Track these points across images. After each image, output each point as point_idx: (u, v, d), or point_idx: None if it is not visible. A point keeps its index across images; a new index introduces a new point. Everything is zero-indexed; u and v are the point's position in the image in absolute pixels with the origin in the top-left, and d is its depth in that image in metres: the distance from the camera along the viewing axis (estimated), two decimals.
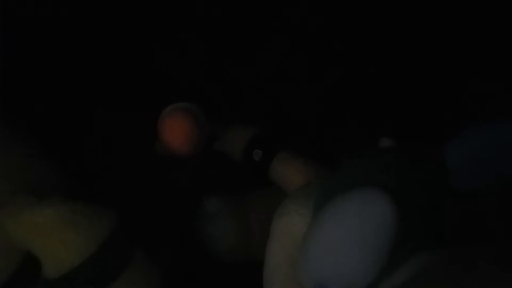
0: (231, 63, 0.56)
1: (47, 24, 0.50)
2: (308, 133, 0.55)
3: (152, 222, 0.45)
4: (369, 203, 0.30)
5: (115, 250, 0.34)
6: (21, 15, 0.49)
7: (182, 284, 0.46)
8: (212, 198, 0.50)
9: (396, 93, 0.54)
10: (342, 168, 0.37)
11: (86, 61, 0.51)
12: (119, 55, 0.52)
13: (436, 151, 0.35)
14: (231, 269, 0.49)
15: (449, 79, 0.53)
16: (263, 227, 0.48)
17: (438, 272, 0.28)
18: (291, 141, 0.52)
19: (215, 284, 0.48)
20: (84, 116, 0.50)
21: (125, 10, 0.52)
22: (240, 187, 0.51)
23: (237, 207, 0.49)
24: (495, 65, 0.52)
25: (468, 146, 0.31)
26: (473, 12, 0.53)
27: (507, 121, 0.30)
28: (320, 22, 0.55)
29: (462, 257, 0.27)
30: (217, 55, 0.56)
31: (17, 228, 0.33)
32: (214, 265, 0.49)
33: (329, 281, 0.32)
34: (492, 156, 0.30)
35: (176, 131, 0.45)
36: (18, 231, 0.33)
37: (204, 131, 0.47)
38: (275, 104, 0.56)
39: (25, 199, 0.34)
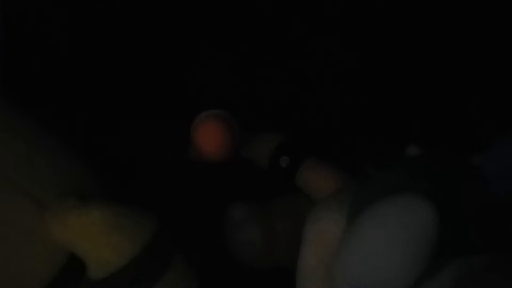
0: (257, 72, 0.57)
1: (85, 29, 0.52)
2: (333, 141, 0.56)
3: (183, 228, 0.46)
4: (411, 208, 0.31)
5: (157, 252, 0.35)
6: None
7: None
8: (238, 205, 0.50)
9: (422, 100, 0.55)
10: (377, 175, 0.37)
11: (120, 71, 0.53)
12: (152, 66, 0.54)
13: (467, 158, 0.36)
14: (256, 275, 0.49)
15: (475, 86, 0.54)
16: (289, 234, 0.49)
17: (480, 278, 0.28)
18: (317, 148, 0.52)
19: None
20: (116, 124, 0.51)
21: (160, 22, 0.53)
22: (265, 194, 0.52)
23: (263, 213, 0.50)
24: None
25: (506, 153, 0.32)
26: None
27: None
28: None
29: (503, 263, 0.28)
30: (243, 65, 0.57)
31: (63, 231, 0.34)
32: (240, 271, 0.50)
33: (369, 286, 0.32)
34: None
35: (210, 137, 0.46)
36: (64, 234, 0.34)
37: (236, 138, 0.48)
38: (300, 112, 0.57)
39: (71, 203, 0.35)
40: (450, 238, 0.31)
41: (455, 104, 0.55)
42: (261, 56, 0.57)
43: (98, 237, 0.33)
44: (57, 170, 0.37)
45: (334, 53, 0.57)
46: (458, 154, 0.38)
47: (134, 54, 0.54)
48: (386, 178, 0.37)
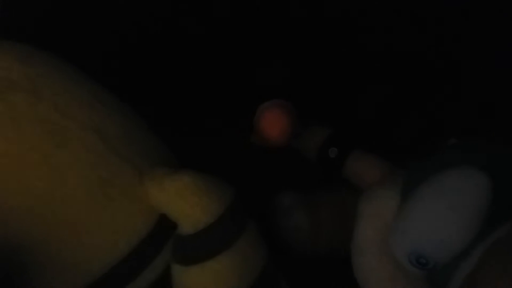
0: (310, 68, 0.61)
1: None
2: (379, 133, 0.59)
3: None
4: (467, 178, 0.35)
5: (236, 214, 0.40)
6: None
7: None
8: (287, 193, 0.54)
9: (461, 93, 0.58)
10: (430, 156, 0.42)
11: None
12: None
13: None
14: (297, 263, 0.52)
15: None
16: (333, 222, 0.52)
17: None
18: (364, 140, 0.56)
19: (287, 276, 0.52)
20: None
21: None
22: (312, 184, 0.55)
23: (310, 202, 0.53)
24: None
25: None
26: None
27: None
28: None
29: None
30: (297, 63, 0.61)
31: (160, 193, 0.38)
32: (284, 258, 0.52)
33: (428, 249, 0.36)
34: None
35: (274, 123, 0.51)
36: (160, 195, 0.38)
37: (296, 125, 0.52)
38: (348, 105, 0.61)
39: (165, 170, 0.40)
40: (502, 203, 0.35)
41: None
42: (312, 50, 0.60)
43: (191, 197, 0.38)
44: (149, 143, 0.42)
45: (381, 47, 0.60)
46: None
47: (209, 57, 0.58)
48: (438, 158, 0.41)
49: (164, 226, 0.40)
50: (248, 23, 0.59)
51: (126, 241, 0.38)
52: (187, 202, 0.38)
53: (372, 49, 0.60)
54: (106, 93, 0.42)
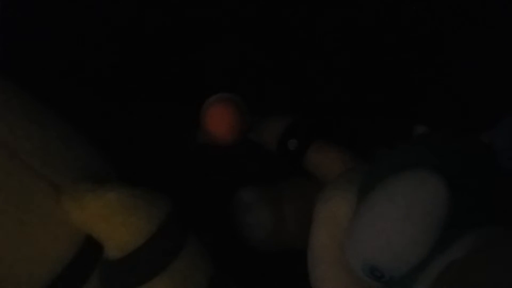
0: (261, 55, 0.57)
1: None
2: (341, 123, 0.56)
3: (195, 210, 0.46)
4: (422, 182, 0.31)
5: (172, 232, 0.36)
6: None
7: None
8: (248, 188, 0.51)
9: (426, 82, 0.55)
10: (387, 154, 0.38)
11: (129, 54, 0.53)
12: (161, 50, 0.54)
13: (477, 135, 0.36)
14: (264, 258, 0.50)
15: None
16: (297, 217, 0.50)
17: (489, 250, 0.29)
18: (325, 131, 0.53)
19: (250, 272, 0.49)
20: (125, 107, 0.51)
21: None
22: (274, 177, 0.52)
23: (272, 196, 0.50)
24: None
25: None
26: None
27: None
28: (351, 14, 0.56)
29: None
30: (247, 49, 0.57)
31: (81, 212, 0.34)
32: (249, 254, 0.50)
33: (380, 261, 0.33)
34: None
35: (220, 119, 0.47)
36: (81, 215, 0.35)
37: (245, 120, 0.48)
38: (303, 95, 0.58)
39: (87, 185, 0.35)
40: (462, 210, 0.31)
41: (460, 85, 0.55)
42: (268, 38, 0.57)
43: (115, 217, 0.34)
44: (73, 155, 0.38)
45: (342, 37, 0.57)
46: (466, 132, 0.38)
47: (147, 36, 0.54)
48: (396, 155, 0.37)
49: (93, 248, 0.36)
50: None
51: (47, 271, 0.34)
52: (110, 222, 0.34)
53: (330, 28, 0.56)
54: (29, 103, 0.38)
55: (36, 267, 0.34)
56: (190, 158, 0.49)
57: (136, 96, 0.52)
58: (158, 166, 0.46)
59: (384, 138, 0.44)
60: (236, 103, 0.47)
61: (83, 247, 0.36)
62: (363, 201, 0.36)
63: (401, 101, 0.55)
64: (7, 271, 0.33)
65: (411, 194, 0.31)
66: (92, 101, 0.49)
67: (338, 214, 0.39)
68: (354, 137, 0.54)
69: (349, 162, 0.49)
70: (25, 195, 0.34)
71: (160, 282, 0.35)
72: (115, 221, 0.34)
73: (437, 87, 0.55)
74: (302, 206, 0.49)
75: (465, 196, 0.32)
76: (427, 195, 0.31)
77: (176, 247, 0.36)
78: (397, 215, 0.32)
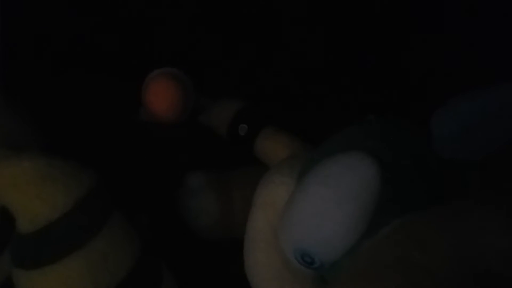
0: (218, 37, 0.55)
1: None
2: (292, 110, 0.55)
3: (131, 188, 0.44)
4: (353, 165, 0.29)
5: (93, 208, 0.33)
6: None
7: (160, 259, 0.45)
8: (195, 173, 0.49)
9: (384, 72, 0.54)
10: (328, 139, 0.36)
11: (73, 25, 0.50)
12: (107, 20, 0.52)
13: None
14: (211, 246, 0.48)
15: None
16: (246, 205, 0.47)
17: (417, 236, 0.27)
18: (277, 116, 0.51)
19: (194, 260, 0.47)
20: (63, 77, 0.48)
21: None
22: (224, 163, 0.51)
23: (220, 183, 0.48)
24: None
25: (454, 113, 0.31)
26: None
27: (494, 89, 0.30)
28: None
29: (442, 220, 0.27)
30: (205, 28, 0.55)
31: None
32: (194, 241, 0.48)
33: (310, 245, 0.31)
34: (477, 124, 0.30)
35: (160, 94, 0.44)
36: None
37: (190, 98, 0.46)
38: (259, 80, 0.56)
39: (2, 152, 0.33)
40: (395, 195, 0.29)
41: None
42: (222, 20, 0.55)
43: (28, 187, 0.31)
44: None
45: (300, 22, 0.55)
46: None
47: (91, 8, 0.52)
48: (335, 140, 0.35)
49: (8, 221, 0.33)
50: None
51: None
52: (24, 192, 0.31)
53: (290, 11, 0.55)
54: None
55: None
56: (131, 135, 0.47)
57: (74, 66, 0.49)
58: (92, 140, 0.44)
59: (335, 127, 0.43)
60: (180, 78, 0.45)
61: None
62: (298, 184, 0.34)
63: (352, 92, 0.54)
64: None
65: (342, 177, 0.29)
66: (26, 69, 0.46)
67: (276, 199, 0.37)
68: (305, 126, 0.52)
69: (299, 148, 0.48)
70: None
71: (75, 260, 0.32)
72: (29, 191, 0.31)
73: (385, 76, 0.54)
74: (251, 195, 0.46)
75: (398, 181, 0.30)
76: (358, 177, 0.29)
77: (96, 225, 0.33)
78: (326, 198, 0.30)
